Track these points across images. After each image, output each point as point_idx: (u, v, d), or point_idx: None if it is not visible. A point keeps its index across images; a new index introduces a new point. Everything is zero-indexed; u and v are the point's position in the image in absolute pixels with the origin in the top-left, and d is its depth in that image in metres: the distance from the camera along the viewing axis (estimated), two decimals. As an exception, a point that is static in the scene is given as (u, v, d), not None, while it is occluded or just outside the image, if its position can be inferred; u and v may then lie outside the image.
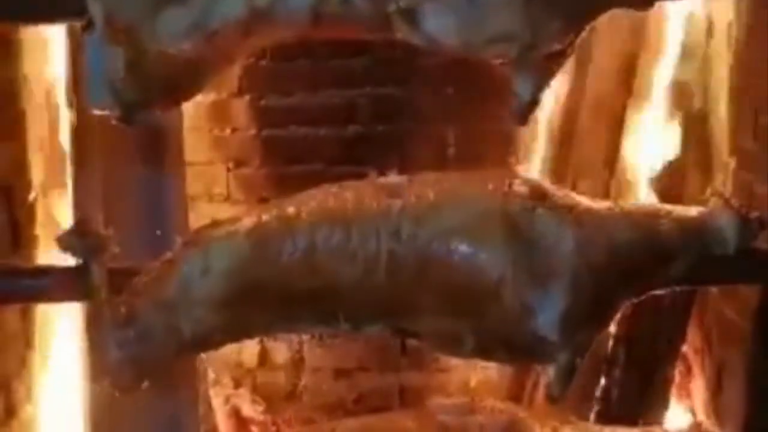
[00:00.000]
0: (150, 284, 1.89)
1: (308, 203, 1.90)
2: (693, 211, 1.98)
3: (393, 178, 1.95)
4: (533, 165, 3.36)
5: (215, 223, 1.95)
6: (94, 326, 1.93)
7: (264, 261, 1.87)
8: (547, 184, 1.96)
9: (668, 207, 2.01)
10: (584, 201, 1.95)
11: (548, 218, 1.88)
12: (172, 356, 1.94)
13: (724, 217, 1.94)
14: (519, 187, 1.90)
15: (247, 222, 1.89)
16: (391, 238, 1.87)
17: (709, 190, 2.59)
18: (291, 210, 1.89)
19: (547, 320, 1.88)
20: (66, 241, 1.89)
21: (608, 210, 1.94)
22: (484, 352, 2.03)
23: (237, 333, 1.97)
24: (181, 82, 1.87)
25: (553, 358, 1.93)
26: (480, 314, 1.92)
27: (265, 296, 1.91)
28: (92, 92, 1.85)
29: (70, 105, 2.74)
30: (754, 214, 1.94)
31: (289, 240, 1.87)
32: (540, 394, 3.11)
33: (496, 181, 1.92)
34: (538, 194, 1.91)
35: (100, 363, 1.92)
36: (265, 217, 1.89)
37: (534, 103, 1.92)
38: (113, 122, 1.86)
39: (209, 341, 1.97)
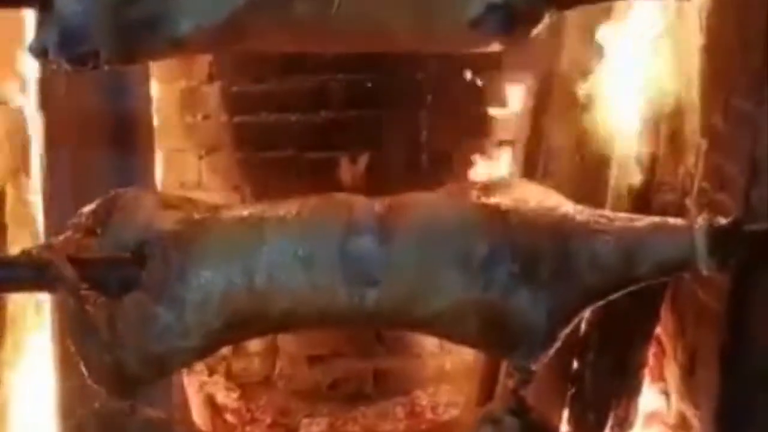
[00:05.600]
0: (128, 324, 1.91)
1: (277, 285, 1.91)
2: (673, 232, 1.98)
3: (361, 222, 1.94)
4: (505, 149, 3.36)
5: (180, 232, 1.96)
6: (68, 324, 1.91)
7: (239, 328, 1.95)
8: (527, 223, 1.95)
9: (649, 228, 1.99)
10: (564, 240, 1.95)
11: (525, 298, 1.92)
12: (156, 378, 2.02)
13: (704, 256, 1.95)
14: (499, 268, 1.90)
15: (217, 286, 1.90)
16: (368, 321, 1.96)
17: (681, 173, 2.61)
18: (261, 287, 1.91)
19: (515, 366, 2.04)
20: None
21: (586, 258, 1.94)
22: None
23: None
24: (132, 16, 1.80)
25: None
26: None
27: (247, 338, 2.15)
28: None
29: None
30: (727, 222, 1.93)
31: (264, 316, 1.93)
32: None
33: (478, 247, 1.92)
34: (517, 270, 1.91)
35: (87, 372, 1.92)
36: (235, 290, 1.90)
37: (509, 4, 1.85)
38: (50, 58, 1.77)
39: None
